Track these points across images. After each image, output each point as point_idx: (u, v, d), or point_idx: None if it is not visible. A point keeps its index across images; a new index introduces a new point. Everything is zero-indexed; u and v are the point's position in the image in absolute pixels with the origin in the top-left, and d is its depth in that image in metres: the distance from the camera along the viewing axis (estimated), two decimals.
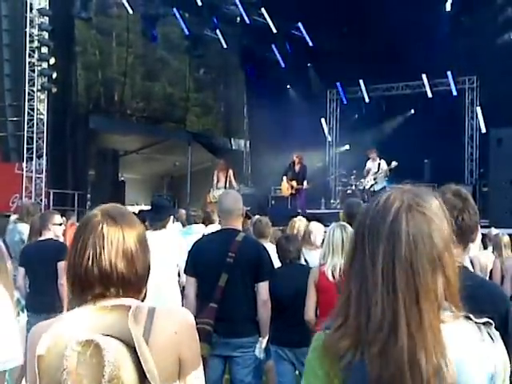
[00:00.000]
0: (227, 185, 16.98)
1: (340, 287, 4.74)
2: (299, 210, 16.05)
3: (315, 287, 5.00)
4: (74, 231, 6.48)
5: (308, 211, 15.94)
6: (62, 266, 6.39)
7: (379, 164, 16.14)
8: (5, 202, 18.64)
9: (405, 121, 18.69)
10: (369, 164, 16.48)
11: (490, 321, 1.59)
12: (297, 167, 16.48)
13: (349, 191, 18.69)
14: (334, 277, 4.85)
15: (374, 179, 16.27)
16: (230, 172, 17.17)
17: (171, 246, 6.21)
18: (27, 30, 16.82)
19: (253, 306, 4.90)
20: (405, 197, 1.55)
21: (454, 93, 19.18)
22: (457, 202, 2.55)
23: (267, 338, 5.02)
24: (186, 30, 20.38)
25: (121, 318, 1.77)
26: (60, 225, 7.15)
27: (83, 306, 1.88)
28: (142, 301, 1.98)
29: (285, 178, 16.72)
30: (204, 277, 4.85)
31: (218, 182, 16.99)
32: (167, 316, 1.91)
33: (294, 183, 16.33)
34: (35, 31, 16.97)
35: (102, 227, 1.90)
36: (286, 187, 16.70)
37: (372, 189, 16.28)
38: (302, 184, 16.32)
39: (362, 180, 18.13)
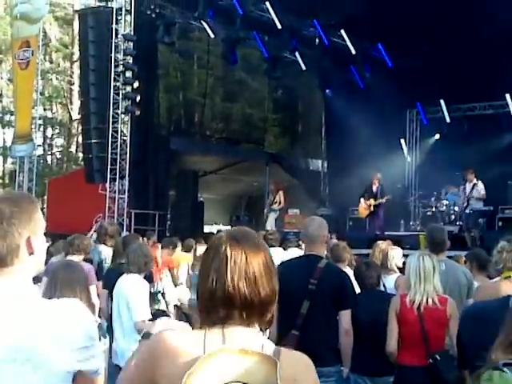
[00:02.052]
0: (276, 205, 17.15)
1: (423, 319, 4.67)
2: (377, 232, 15.92)
3: (396, 317, 4.86)
4: (155, 251, 6.60)
5: (386, 233, 15.77)
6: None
7: (474, 185, 15.77)
8: (88, 222, 19.18)
9: (487, 141, 18.21)
10: (466, 185, 16.11)
11: None
12: (374, 187, 16.36)
13: (429, 213, 18.41)
14: (419, 308, 4.72)
15: (468, 200, 15.91)
16: (280, 193, 17.30)
17: None
18: (112, 54, 17.34)
19: (335, 335, 4.85)
20: None
21: None
22: None
23: (349, 367, 4.95)
24: (265, 53, 20.59)
25: (268, 372, 1.77)
26: None
27: (212, 337, 1.87)
28: (267, 327, 1.99)
29: (362, 199, 16.59)
30: (286, 303, 4.63)
31: (272, 202, 17.20)
32: (292, 360, 1.91)
33: (372, 201, 16.18)
34: (120, 56, 17.47)
35: (226, 249, 1.92)
36: (363, 208, 16.58)
37: (467, 211, 15.90)
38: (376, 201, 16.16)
39: (443, 201, 17.82)
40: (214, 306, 1.90)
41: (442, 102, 20.01)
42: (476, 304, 3.39)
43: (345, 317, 4.83)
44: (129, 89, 17.59)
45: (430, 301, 4.69)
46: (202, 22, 18.91)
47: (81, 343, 2.01)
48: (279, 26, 19.01)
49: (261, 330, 1.97)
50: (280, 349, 1.91)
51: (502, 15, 15.36)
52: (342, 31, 19.62)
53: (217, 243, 1.96)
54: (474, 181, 15.77)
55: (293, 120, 27.14)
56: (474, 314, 1.76)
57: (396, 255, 6.84)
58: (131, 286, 5.92)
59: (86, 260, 7.47)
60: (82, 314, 2.09)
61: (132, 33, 17.64)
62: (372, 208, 16.29)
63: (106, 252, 8.37)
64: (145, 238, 12.58)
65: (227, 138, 26.66)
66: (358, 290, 5.58)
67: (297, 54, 20.57)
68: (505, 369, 1.51)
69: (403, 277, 5.60)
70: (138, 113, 17.71)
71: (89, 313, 2.01)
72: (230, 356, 1.79)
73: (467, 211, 15.89)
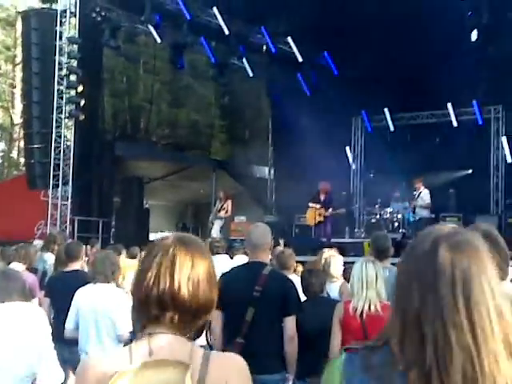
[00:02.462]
0: (223, 213, 17.15)
1: (366, 326, 4.67)
2: (324, 239, 16.00)
3: (340, 324, 4.87)
4: None
5: (332, 240, 15.88)
6: None
7: (420, 193, 15.98)
8: (30, 228, 18.79)
9: (430, 150, 18.52)
10: (415, 193, 16.32)
11: None
12: (322, 196, 16.41)
13: (373, 220, 18.62)
14: (361, 315, 4.73)
15: (414, 208, 16.13)
16: (229, 202, 17.29)
17: None
18: (56, 57, 17.03)
19: (280, 342, 4.83)
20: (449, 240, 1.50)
21: (480, 122, 19.09)
22: (487, 244, 2.49)
23: (294, 374, 4.94)
24: (212, 58, 20.56)
25: (178, 377, 1.76)
26: (86, 255, 7.17)
27: (139, 350, 1.85)
28: (197, 337, 1.95)
29: (312, 204, 16.60)
30: (230, 311, 4.78)
31: (220, 209, 17.19)
32: (222, 364, 1.90)
33: (323, 211, 16.24)
34: (64, 59, 17.18)
35: (174, 250, 1.90)
36: (311, 216, 16.59)
37: (412, 218, 16.11)
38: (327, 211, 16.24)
39: (387, 209, 18.06)
40: (148, 305, 1.86)
41: (386, 110, 20.27)
42: None
43: (289, 323, 4.80)
44: (73, 93, 17.31)
45: (372, 307, 4.71)
46: (149, 26, 18.72)
47: (37, 347, 1.97)
48: (227, 32, 18.98)
49: (190, 337, 1.93)
50: (210, 353, 1.89)
51: (444, 27, 15.71)
52: (289, 39, 19.69)
53: (164, 244, 1.93)
54: (421, 189, 15.99)
55: (240, 126, 27.12)
56: None
57: (336, 262, 6.88)
58: (112, 298, 5.77)
59: (30, 270, 7.35)
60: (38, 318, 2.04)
61: (77, 35, 17.38)
62: (322, 218, 16.33)
63: (52, 260, 8.17)
64: (88, 246, 12.41)
65: (173, 143, 26.51)
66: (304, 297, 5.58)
67: (244, 60, 20.57)
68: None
69: (347, 284, 5.61)
70: (82, 117, 17.41)
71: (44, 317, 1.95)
72: (145, 370, 1.76)
73: (412, 219, 16.10)
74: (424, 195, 15.93)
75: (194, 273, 1.89)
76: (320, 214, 16.27)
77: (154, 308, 1.86)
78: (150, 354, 1.82)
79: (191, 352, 1.84)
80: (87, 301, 5.82)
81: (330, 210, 16.25)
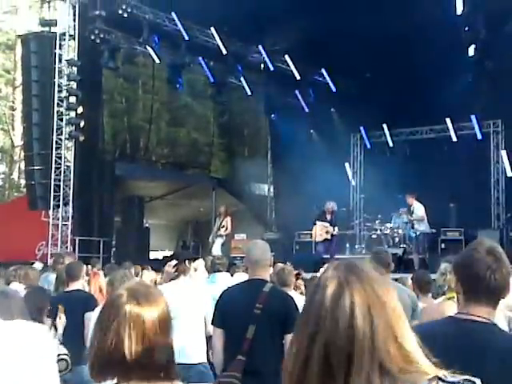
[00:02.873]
0: (223, 231, 17.14)
1: None
2: (326, 256, 16.01)
3: None
4: (97, 279, 6.39)
5: (334, 257, 15.90)
6: (89, 317, 6.37)
7: (413, 209, 15.99)
8: (31, 249, 18.78)
9: (429, 165, 18.55)
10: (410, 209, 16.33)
11: (472, 378, 1.61)
12: (328, 216, 16.46)
13: (374, 236, 18.55)
14: None
15: (412, 224, 16.10)
16: (228, 219, 17.26)
17: (197, 295, 6.15)
18: (56, 80, 17.11)
19: (281, 359, 4.73)
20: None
21: (479, 136, 19.08)
22: (490, 261, 2.54)
23: None
24: (210, 78, 20.62)
25: None
26: (87, 275, 7.14)
27: None
28: (172, 380, 1.96)
29: (318, 222, 16.61)
30: (231, 329, 4.78)
31: (220, 227, 17.17)
32: None
33: (331, 229, 16.28)
34: (64, 81, 17.24)
35: (125, 310, 1.91)
36: (318, 233, 16.61)
37: (412, 234, 16.11)
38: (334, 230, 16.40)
39: (387, 224, 18.02)
40: (110, 364, 1.89)
41: (384, 126, 20.30)
42: (420, 326, 3.34)
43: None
44: (72, 114, 17.34)
45: None
46: (147, 47, 18.83)
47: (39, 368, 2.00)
48: (224, 52, 19.07)
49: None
50: None
51: (441, 42, 15.82)
52: (287, 56, 19.78)
53: (117, 302, 1.94)
54: (413, 204, 15.98)
55: (239, 145, 27.15)
56: (419, 335, 1.84)
57: None
58: None
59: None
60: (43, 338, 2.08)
61: (76, 58, 17.44)
62: (329, 236, 16.42)
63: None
64: (89, 266, 12.39)
65: (173, 162, 26.51)
66: None
67: (242, 79, 20.64)
68: None
69: None
70: (82, 138, 17.44)
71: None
72: None
73: (413, 234, 16.07)
74: (417, 210, 15.87)
75: (145, 331, 1.90)
76: (327, 232, 16.36)
77: (117, 369, 1.89)
78: None
79: None
80: None
81: (337, 229, 16.43)
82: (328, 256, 15.80)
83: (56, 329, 5.94)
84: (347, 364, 1.44)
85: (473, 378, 1.63)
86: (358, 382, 1.42)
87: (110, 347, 1.88)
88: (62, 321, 5.87)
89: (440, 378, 1.55)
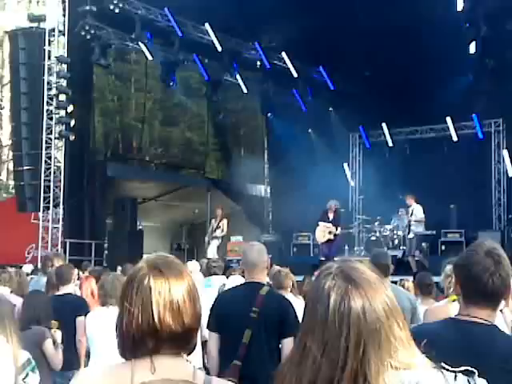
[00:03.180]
0: (219, 232, 16.94)
1: None
2: (322, 258, 15.66)
3: None
4: (89, 283, 6.31)
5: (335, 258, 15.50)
6: (80, 321, 6.40)
7: (412, 210, 15.66)
8: (21, 252, 18.43)
9: (430, 165, 18.21)
10: (409, 210, 15.99)
11: (473, 369, 1.81)
12: (331, 215, 16.13)
13: (373, 238, 18.23)
14: None
15: (409, 225, 15.78)
16: (224, 220, 17.07)
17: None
18: (45, 77, 16.78)
19: (278, 364, 4.49)
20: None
21: (480, 136, 18.79)
22: (489, 264, 2.53)
23: None
24: (205, 75, 20.22)
25: None
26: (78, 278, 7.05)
27: (140, 369, 1.86)
28: (191, 352, 1.97)
29: (321, 223, 16.32)
30: (227, 333, 4.73)
31: (216, 228, 16.94)
32: None
33: (333, 229, 15.93)
34: (53, 79, 16.93)
35: (149, 280, 1.89)
36: (321, 234, 16.32)
37: (409, 236, 15.84)
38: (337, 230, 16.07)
39: (387, 226, 17.70)
40: (142, 338, 1.87)
41: (384, 125, 19.94)
42: (419, 326, 3.54)
43: (287, 345, 4.60)
44: (63, 113, 17.07)
45: None
46: (139, 43, 18.40)
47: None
48: (219, 49, 18.69)
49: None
50: (211, 378, 1.95)
51: (442, 40, 15.51)
52: (284, 54, 19.39)
53: (139, 274, 1.92)
54: (413, 205, 15.70)
55: (234, 144, 26.77)
56: (419, 336, 1.88)
57: None
58: None
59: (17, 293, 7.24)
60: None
61: (66, 55, 17.11)
62: (332, 236, 16.08)
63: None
64: (81, 269, 12.00)
65: (167, 163, 26.27)
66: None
67: (238, 76, 20.26)
68: None
69: None
70: (72, 138, 17.24)
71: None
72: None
73: (410, 236, 15.80)
74: (417, 211, 15.68)
75: (173, 298, 1.88)
76: (330, 232, 16.08)
77: (148, 341, 1.86)
78: (153, 371, 1.85)
79: (194, 374, 1.90)
80: (101, 325, 5.64)
81: (339, 228, 16.15)
82: (323, 258, 15.52)
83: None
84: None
85: (471, 369, 1.81)
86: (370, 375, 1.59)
87: (138, 322, 1.86)
88: (57, 335, 5.81)
89: (443, 367, 1.73)
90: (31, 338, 5.41)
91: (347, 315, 1.61)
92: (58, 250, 16.71)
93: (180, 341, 1.90)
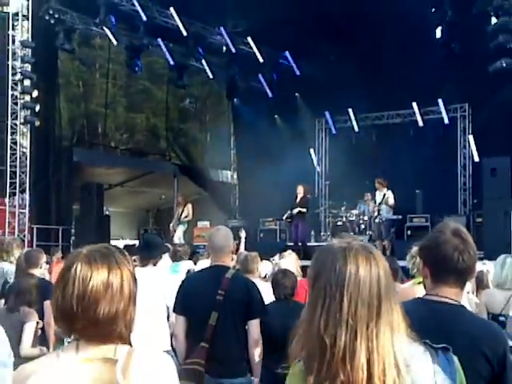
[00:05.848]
0: (182, 218, 16.98)
1: None
2: (288, 243, 15.74)
3: None
4: (60, 268, 6.10)
5: (300, 244, 15.62)
6: (48, 305, 6.22)
7: (384, 194, 15.69)
8: None
9: (396, 150, 18.25)
10: (377, 194, 16.03)
11: (448, 346, 1.95)
12: (299, 197, 16.05)
13: (339, 223, 18.35)
14: None
15: (379, 210, 15.82)
16: (189, 205, 17.11)
17: (161, 283, 5.98)
18: (9, 62, 16.55)
19: (244, 345, 4.82)
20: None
21: (446, 121, 18.83)
22: (457, 242, 2.58)
23: (259, 377, 4.91)
24: (170, 61, 20.02)
25: (109, 372, 1.91)
26: (47, 263, 6.95)
27: (67, 351, 1.98)
28: (125, 342, 2.02)
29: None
30: (194, 316, 4.78)
31: (180, 215, 17.00)
32: (144, 357, 2.00)
33: (295, 211, 15.90)
34: (18, 63, 16.67)
35: (76, 268, 1.97)
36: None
37: (377, 220, 15.84)
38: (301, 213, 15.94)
39: (353, 211, 17.79)
40: (64, 321, 1.98)
41: (350, 110, 19.98)
42: None
43: (253, 327, 4.80)
44: (28, 98, 16.82)
45: None
46: (104, 28, 18.20)
47: None
48: (185, 33, 18.56)
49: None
50: (133, 349, 2.00)
51: (408, 24, 15.54)
52: (249, 39, 19.34)
53: (71, 260, 2.01)
54: (384, 190, 15.69)
55: (201, 130, 26.72)
56: None
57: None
58: None
59: None
60: None
61: (30, 39, 16.87)
62: (290, 218, 16.07)
63: (9, 268, 7.70)
64: (48, 255, 11.90)
65: (132, 149, 26.08)
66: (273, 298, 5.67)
67: (203, 61, 20.14)
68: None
69: None
70: (37, 123, 16.98)
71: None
72: (74, 367, 1.92)
73: (377, 220, 15.84)
74: (389, 196, 15.63)
75: (91, 286, 1.95)
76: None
77: (69, 323, 1.97)
78: (77, 352, 1.96)
79: (115, 350, 1.97)
80: None
81: (299, 209, 15.92)
82: (289, 244, 15.55)
83: None
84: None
85: (447, 346, 1.95)
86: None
87: (58, 302, 1.97)
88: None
89: (426, 343, 1.91)
90: (17, 319, 5.56)
91: (351, 280, 1.83)
92: (24, 236, 16.64)
93: (98, 328, 1.96)
